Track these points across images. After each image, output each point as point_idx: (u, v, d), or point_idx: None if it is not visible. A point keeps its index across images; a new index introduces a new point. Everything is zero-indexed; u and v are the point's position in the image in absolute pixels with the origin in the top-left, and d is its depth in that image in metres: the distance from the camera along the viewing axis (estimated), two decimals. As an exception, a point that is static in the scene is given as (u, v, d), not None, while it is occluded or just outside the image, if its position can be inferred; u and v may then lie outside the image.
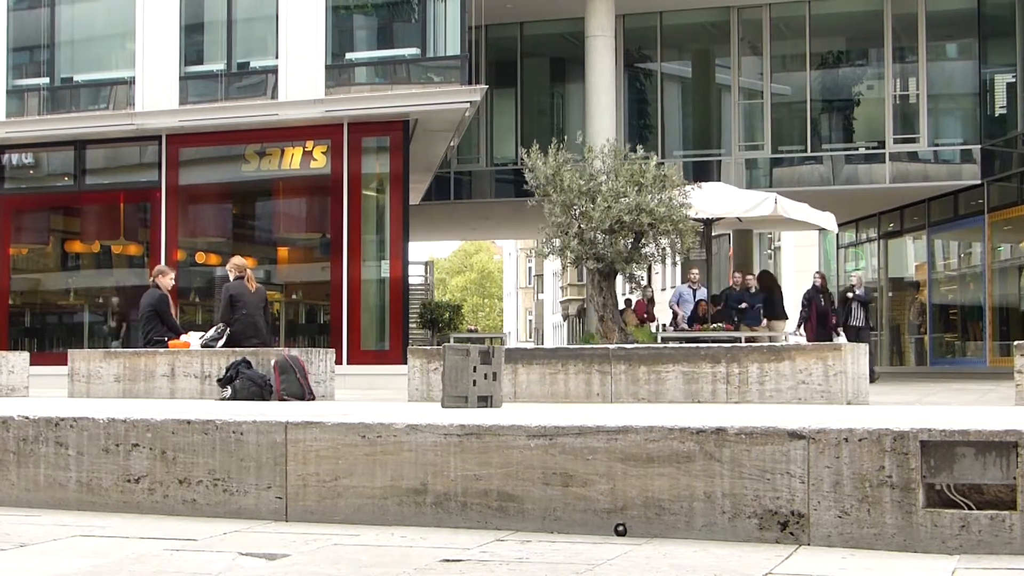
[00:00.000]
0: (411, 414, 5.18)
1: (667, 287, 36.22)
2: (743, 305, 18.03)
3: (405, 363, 11.44)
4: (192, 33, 19.39)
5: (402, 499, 4.62)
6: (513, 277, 77.97)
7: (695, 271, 18.87)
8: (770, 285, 19.52)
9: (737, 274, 20.40)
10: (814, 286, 19.01)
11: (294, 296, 20.26)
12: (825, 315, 18.49)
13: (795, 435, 4.14)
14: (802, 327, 18.74)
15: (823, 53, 25.29)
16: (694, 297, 18.38)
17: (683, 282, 19.41)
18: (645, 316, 19.30)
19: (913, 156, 23.81)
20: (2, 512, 5.07)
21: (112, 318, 20.19)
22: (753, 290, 18.66)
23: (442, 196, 24.98)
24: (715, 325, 16.90)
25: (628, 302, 21.31)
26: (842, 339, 17.38)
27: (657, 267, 29.93)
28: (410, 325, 20.87)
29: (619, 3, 21.83)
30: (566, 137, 15.00)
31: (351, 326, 17.98)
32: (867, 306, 18.65)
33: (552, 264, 58.28)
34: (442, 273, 69.89)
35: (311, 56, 18.27)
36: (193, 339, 12.07)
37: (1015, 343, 8.69)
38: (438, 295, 44.95)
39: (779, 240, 36.83)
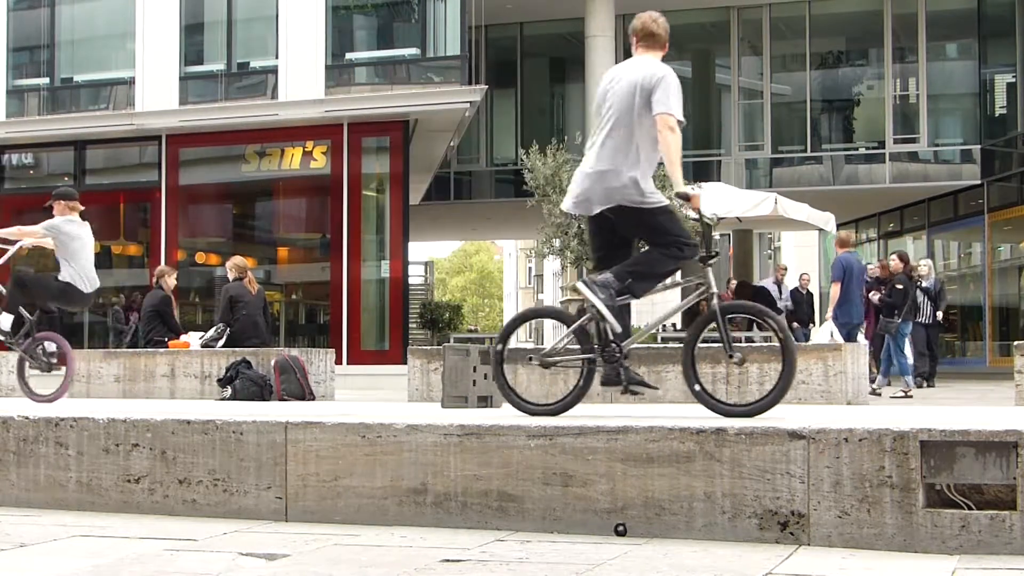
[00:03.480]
0: (411, 414, 5.18)
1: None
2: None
3: (405, 363, 11.43)
4: (192, 33, 19.39)
5: (402, 499, 4.62)
6: (513, 277, 77.84)
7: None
8: (748, 295, 19.43)
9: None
10: (875, 278, 16.83)
11: (294, 296, 20.25)
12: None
13: (795, 435, 4.13)
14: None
15: (823, 53, 25.28)
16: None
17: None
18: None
19: (913, 156, 23.81)
20: (2, 512, 5.07)
21: (113, 319, 20.15)
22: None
23: (442, 196, 24.96)
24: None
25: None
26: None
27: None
28: (410, 325, 20.87)
29: (619, 3, 21.80)
30: (566, 137, 15.02)
31: (351, 326, 17.97)
32: (937, 299, 16.22)
33: (552, 264, 58.29)
34: (442, 273, 69.81)
35: (311, 56, 18.27)
36: (193, 339, 12.08)
37: (1015, 343, 8.68)
38: (438, 295, 44.95)
39: (779, 240, 36.84)
